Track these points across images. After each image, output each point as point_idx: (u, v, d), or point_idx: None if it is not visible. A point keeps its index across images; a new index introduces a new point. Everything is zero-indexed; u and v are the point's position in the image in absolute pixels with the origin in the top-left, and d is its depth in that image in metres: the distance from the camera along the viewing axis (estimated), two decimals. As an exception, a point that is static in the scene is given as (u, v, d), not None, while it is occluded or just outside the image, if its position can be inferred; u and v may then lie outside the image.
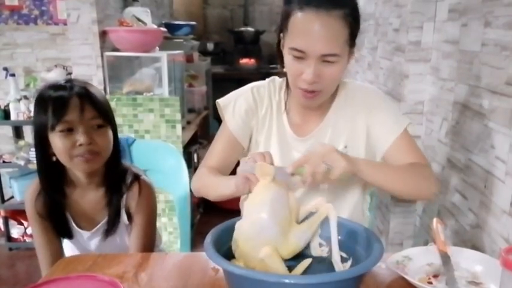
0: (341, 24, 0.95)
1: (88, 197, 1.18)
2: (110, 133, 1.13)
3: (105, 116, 1.11)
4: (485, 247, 1.36)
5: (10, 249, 2.86)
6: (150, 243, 1.22)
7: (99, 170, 1.15)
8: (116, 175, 1.18)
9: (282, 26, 1.03)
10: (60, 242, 1.21)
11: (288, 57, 1.01)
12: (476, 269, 0.91)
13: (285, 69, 1.07)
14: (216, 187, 1.06)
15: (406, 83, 1.87)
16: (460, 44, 1.57)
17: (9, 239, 2.87)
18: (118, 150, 1.19)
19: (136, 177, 1.20)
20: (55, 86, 1.09)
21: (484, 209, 1.38)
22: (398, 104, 1.91)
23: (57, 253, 1.17)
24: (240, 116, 1.14)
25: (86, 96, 1.07)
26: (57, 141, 1.06)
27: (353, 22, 0.98)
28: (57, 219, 1.16)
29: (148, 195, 1.20)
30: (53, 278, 0.89)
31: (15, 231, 2.88)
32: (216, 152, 1.17)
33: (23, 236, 2.87)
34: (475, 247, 1.40)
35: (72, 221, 1.18)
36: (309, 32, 0.94)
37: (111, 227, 1.18)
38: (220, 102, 1.17)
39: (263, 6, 4.70)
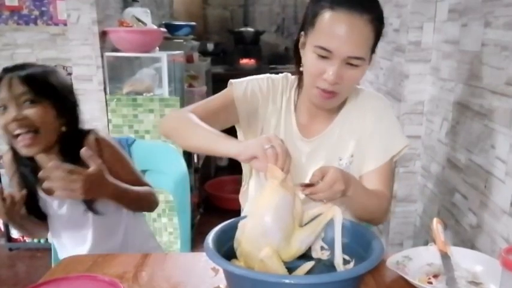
0: (370, 28, 0.95)
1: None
2: (49, 109, 1.11)
3: (37, 90, 1.09)
4: (485, 247, 1.36)
5: (10, 249, 2.85)
6: (138, 177, 1.26)
7: (53, 147, 1.14)
8: (73, 147, 1.14)
9: (306, 24, 1.01)
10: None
11: (310, 56, 0.99)
12: (476, 269, 0.91)
13: (301, 69, 1.05)
14: (205, 137, 0.96)
15: (406, 83, 1.87)
16: (460, 44, 1.57)
17: (9, 239, 2.86)
18: (74, 126, 1.18)
19: (88, 132, 1.19)
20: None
21: (484, 209, 1.38)
22: (399, 105, 1.91)
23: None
24: (250, 94, 1.11)
25: (15, 73, 1.09)
26: None
27: (379, 27, 0.98)
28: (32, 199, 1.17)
29: (107, 143, 1.21)
30: (53, 278, 0.89)
31: (15, 232, 2.88)
32: (209, 107, 1.10)
33: (22, 236, 2.87)
34: (475, 247, 1.40)
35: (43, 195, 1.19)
36: (340, 32, 0.93)
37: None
38: (233, 80, 1.14)
39: (263, 7, 4.70)
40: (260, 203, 0.83)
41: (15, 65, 1.13)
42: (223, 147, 0.91)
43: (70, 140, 1.16)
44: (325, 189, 0.87)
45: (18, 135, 1.08)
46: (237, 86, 1.12)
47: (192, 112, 1.04)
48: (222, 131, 0.97)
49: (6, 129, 1.08)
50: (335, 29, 0.94)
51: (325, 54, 0.96)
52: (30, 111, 1.08)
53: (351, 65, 0.97)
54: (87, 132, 1.20)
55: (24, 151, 1.10)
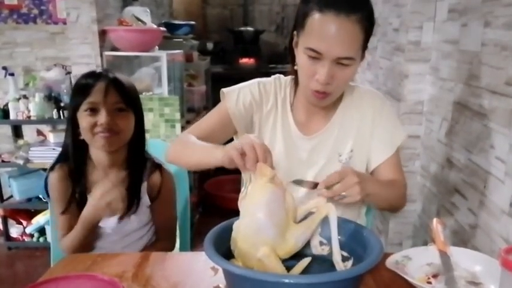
0: (358, 28, 0.96)
1: (109, 178, 1.22)
2: (132, 118, 1.22)
3: (128, 101, 1.19)
4: (484, 247, 1.36)
5: (9, 248, 2.85)
6: (172, 223, 1.35)
7: (121, 152, 1.23)
8: (139, 160, 1.26)
9: (298, 25, 1.02)
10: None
11: (302, 57, 1.00)
12: (476, 269, 0.91)
13: (295, 67, 1.07)
14: (197, 152, 1.01)
15: (406, 83, 1.87)
16: (460, 44, 1.57)
17: (8, 238, 2.86)
18: (143, 137, 1.28)
19: (159, 166, 1.28)
20: (89, 73, 1.20)
21: (484, 209, 1.38)
22: (398, 104, 1.91)
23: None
24: (244, 104, 1.13)
25: (111, 81, 1.17)
26: (82, 120, 1.16)
27: (368, 26, 0.99)
28: (81, 201, 1.20)
29: (169, 181, 1.30)
30: (52, 277, 0.89)
31: (14, 231, 2.88)
32: (206, 125, 1.15)
33: (21, 236, 2.87)
34: (475, 247, 1.41)
35: None
36: (328, 34, 0.94)
37: (128, 211, 1.21)
38: (225, 89, 1.16)
39: (263, 6, 4.69)
40: (251, 201, 0.84)
41: (101, 72, 1.20)
42: (212, 158, 0.94)
43: (137, 154, 1.25)
44: (342, 188, 0.91)
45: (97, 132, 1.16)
46: (230, 97, 1.14)
47: (190, 133, 1.10)
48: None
49: (92, 130, 1.15)
50: (323, 31, 0.95)
51: (315, 56, 0.97)
52: (120, 118, 1.18)
53: (342, 64, 0.98)
54: (158, 164, 1.28)
55: (103, 143, 1.16)
